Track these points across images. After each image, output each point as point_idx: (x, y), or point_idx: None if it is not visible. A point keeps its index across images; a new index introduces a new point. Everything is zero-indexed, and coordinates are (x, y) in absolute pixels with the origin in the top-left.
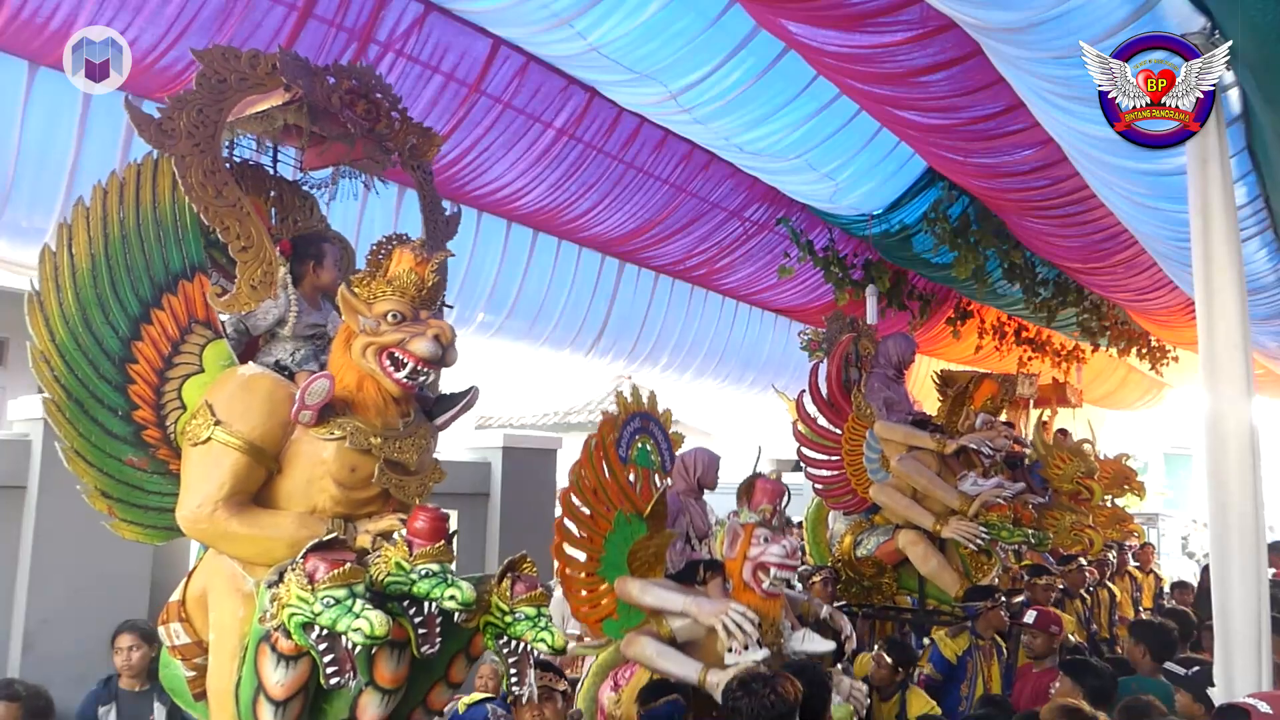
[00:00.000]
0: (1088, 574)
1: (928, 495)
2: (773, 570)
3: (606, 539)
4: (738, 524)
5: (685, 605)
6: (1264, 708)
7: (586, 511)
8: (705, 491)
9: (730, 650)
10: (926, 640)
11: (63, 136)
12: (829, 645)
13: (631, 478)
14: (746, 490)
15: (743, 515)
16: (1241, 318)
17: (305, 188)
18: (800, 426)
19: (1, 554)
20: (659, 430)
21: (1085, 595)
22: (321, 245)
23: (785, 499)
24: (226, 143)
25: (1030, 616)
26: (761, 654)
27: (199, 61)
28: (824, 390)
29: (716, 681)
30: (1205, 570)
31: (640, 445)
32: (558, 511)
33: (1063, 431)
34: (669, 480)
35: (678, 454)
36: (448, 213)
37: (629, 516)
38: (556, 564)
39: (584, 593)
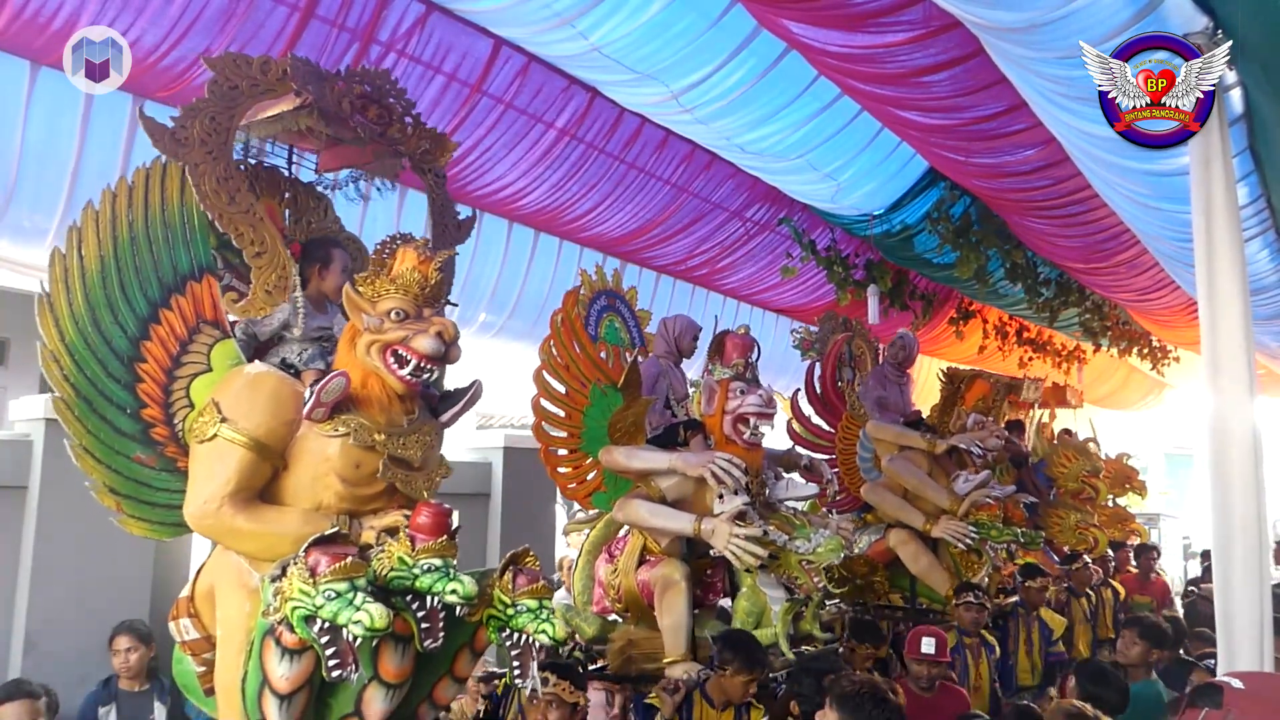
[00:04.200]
0: (1092, 572)
1: (918, 495)
2: (752, 420)
3: (585, 413)
4: (713, 380)
5: (671, 462)
6: (1237, 684)
7: (561, 389)
8: (684, 360)
9: (720, 498)
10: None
11: (65, 136)
12: (812, 489)
13: (602, 354)
14: (718, 347)
15: (716, 372)
16: (1244, 318)
17: (319, 189)
18: (795, 425)
19: (3, 554)
20: (625, 308)
21: (1089, 594)
22: (330, 250)
23: (755, 352)
24: (240, 146)
25: (929, 645)
26: (741, 500)
27: (210, 69)
28: (818, 389)
29: (710, 529)
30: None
31: (609, 322)
32: (559, 511)
33: (1066, 431)
34: (638, 356)
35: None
36: (461, 217)
37: (604, 389)
38: (540, 447)
39: (570, 469)
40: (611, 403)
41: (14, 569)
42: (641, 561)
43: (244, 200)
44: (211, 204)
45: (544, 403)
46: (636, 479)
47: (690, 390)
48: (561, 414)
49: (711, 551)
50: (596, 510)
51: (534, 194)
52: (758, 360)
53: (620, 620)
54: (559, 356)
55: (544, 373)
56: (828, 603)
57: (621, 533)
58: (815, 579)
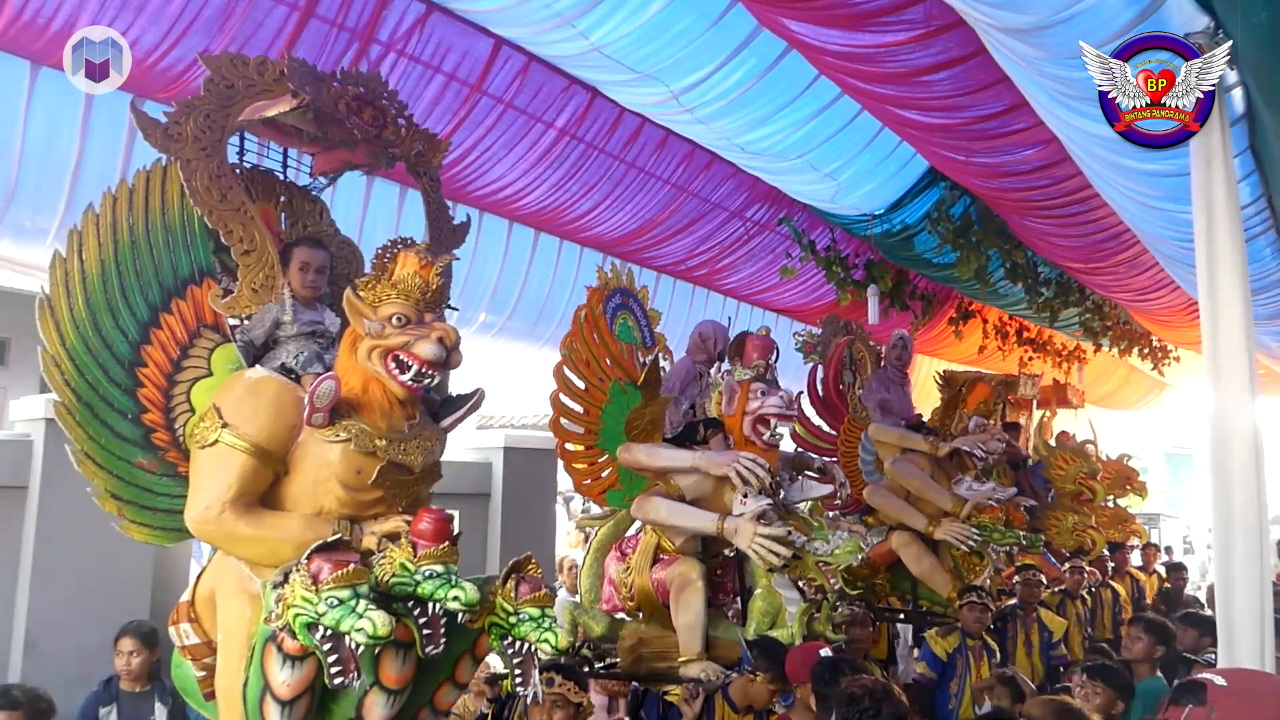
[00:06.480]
0: (1088, 575)
1: (921, 497)
2: (773, 421)
3: (603, 410)
4: (733, 381)
5: (695, 460)
6: (1220, 681)
7: (581, 385)
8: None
9: (744, 498)
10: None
11: (65, 137)
12: (826, 488)
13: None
14: (738, 348)
15: (737, 372)
16: (1245, 318)
17: (314, 192)
18: (797, 427)
19: (3, 554)
20: (638, 306)
21: (1086, 596)
22: (289, 250)
23: (775, 354)
24: (235, 148)
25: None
26: (765, 502)
27: (207, 68)
28: (820, 392)
29: (734, 528)
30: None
31: (622, 320)
32: (559, 512)
33: (1065, 433)
34: (651, 355)
35: (694, 329)
36: (456, 221)
37: (624, 386)
38: (555, 441)
39: (585, 466)
40: (630, 400)
41: (14, 569)
42: (655, 560)
43: (235, 198)
44: (202, 200)
45: (562, 398)
46: (655, 477)
47: (709, 387)
48: (580, 410)
49: (727, 550)
50: (612, 507)
51: (534, 194)
52: (777, 361)
53: (629, 618)
54: (581, 352)
55: (564, 368)
56: (840, 604)
57: (632, 530)
58: (832, 580)
